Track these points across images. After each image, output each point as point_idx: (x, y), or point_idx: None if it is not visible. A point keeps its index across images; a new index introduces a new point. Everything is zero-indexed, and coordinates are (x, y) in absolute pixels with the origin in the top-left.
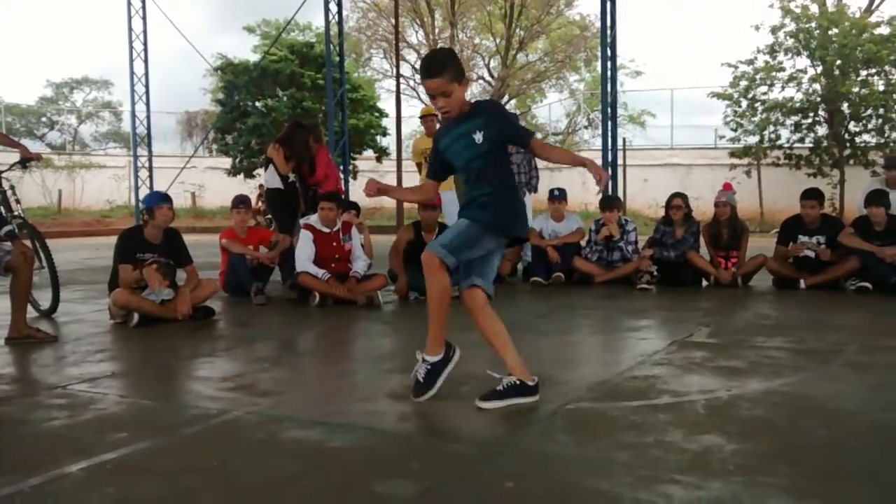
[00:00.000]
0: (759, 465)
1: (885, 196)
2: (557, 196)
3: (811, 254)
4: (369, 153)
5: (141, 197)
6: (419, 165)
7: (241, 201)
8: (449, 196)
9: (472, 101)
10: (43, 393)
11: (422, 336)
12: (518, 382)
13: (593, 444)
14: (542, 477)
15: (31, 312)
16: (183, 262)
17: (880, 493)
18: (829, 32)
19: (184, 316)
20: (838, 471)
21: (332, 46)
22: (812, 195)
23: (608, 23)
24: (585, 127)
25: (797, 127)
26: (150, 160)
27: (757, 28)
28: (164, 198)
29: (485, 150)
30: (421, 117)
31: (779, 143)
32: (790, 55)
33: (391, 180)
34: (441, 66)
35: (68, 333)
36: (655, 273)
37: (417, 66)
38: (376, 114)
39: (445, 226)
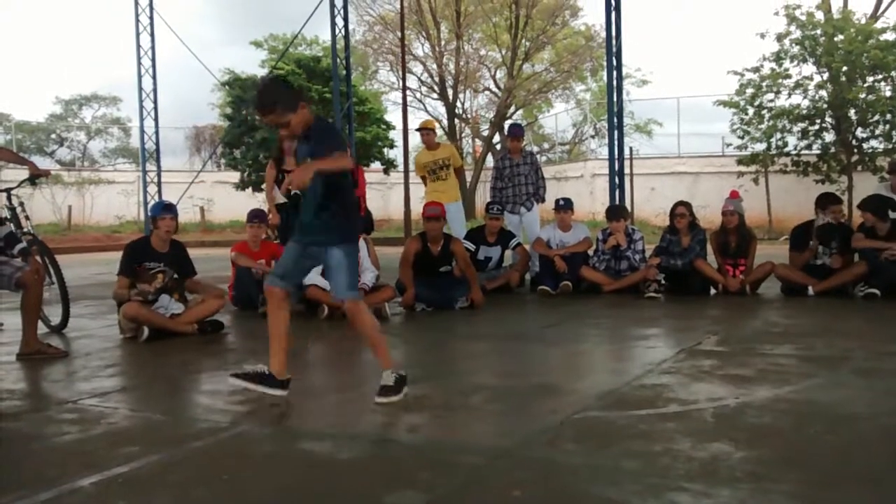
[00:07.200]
0: (766, 471)
1: (876, 202)
2: (563, 206)
3: (827, 260)
4: (377, 165)
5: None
6: (423, 178)
7: (255, 216)
8: (454, 207)
9: (313, 120)
10: (54, 408)
11: (429, 347)
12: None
13: (602, 453)
14: (551, 486)
15: (41, 328)
16: (188, 273)
17: (887, 498)
18: (835, 39)
19: (193, 329)
20: (846, 477)
21: (338, 60)
22: (837, 200)
23: (614, 33)
24: (592, 136)
25: (804, 134)
26: (158, 175)
27: (762, 36)
28: (167, 208)
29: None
30: (418, 130)
31: (786, 150)
32: (796, 62)
33: (399, 192)
34: (271, 104)
35: (79, 349)
36: (663, 281)
37: (424, 78)
38: (383, 126)
39: (450, 237)
